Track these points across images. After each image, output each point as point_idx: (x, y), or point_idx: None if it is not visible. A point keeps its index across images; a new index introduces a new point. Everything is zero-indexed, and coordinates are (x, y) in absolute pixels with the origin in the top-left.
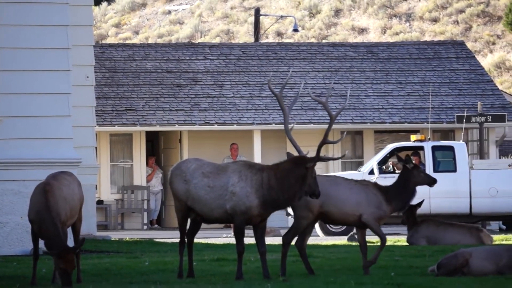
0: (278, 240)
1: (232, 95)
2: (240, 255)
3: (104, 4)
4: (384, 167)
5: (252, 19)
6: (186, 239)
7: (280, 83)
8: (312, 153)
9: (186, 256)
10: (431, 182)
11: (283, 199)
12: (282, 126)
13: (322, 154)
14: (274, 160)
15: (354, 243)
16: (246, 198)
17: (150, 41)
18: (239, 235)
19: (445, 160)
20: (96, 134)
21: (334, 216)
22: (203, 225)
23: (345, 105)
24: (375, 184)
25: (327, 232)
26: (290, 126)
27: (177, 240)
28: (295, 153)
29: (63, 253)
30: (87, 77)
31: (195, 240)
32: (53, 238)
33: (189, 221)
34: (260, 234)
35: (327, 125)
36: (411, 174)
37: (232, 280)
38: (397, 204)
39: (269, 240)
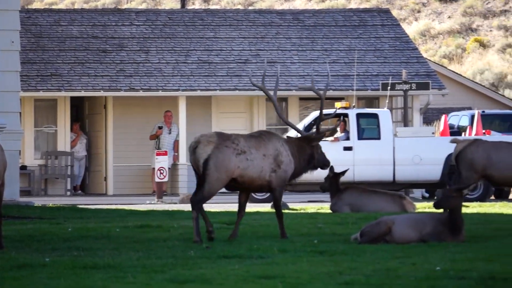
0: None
1: (157, 61)
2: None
3: None
4: None
5: None
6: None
7: (207, 49)
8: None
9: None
10: None
11: (297, 173)
12: (207, 92)
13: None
14: (200, 127)
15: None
16: (289, 167)
17: (76, 6)
18: (280, 201)
19: (370, 128)
20: (20, 99)
21: (495, 178)
22: (126, 191)
23: (328, 81)
24: None
25: (251, 199)
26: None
27: (101, 206)
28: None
29: None
30: (12, 42)
31: (119, 207)
32: None
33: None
34: (246, 199)
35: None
36: None
37: (155, 246)
38: None
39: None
